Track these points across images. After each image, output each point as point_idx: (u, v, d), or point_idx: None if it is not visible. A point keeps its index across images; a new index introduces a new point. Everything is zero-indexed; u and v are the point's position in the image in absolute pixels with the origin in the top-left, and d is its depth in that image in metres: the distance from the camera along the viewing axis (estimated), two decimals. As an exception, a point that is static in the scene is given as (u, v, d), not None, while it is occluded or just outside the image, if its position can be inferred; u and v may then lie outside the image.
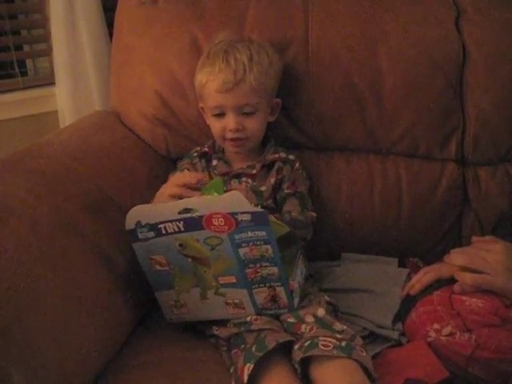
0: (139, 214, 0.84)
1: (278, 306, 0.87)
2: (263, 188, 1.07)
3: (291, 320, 0.89)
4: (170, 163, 1.23)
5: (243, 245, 0.82)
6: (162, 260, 0.87)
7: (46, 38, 1.45)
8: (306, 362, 0.81)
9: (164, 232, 0.84)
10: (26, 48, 1.55)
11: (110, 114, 1.29)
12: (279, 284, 0.85)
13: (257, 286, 0.86)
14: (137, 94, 1.22)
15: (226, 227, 0.80)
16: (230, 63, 1.01)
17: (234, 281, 0.86)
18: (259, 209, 0.79)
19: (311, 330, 0.85)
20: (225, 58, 1.01)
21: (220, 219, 0.80)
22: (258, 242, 0.81)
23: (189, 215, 0.81)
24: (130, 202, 1.04)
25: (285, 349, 0.83)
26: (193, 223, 0.81)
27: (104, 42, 1.38)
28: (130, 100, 1.24)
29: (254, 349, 0.81)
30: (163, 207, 0.83)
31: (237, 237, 0.81)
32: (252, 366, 0.78)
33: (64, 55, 1.36)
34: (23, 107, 1.44)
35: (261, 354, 0.79)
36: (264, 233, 0.80)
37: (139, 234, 0.85)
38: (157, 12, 1.20)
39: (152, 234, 0.84)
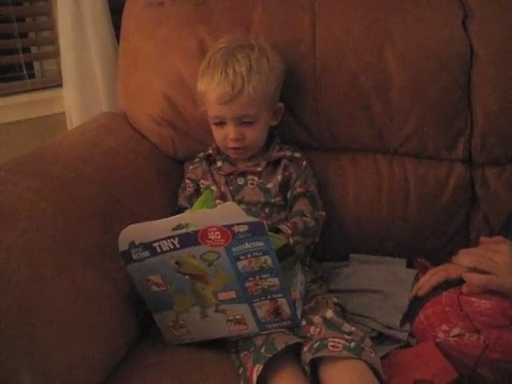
0: (132, 233, 0.82)
1: (281, 319, 0.85)
2: (270, 185, 1.07)
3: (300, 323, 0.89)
4: (178, 164, 1.24)
5: (241, 257, 0.79)
6: (159, 280, 0.85)
7: (54, 40, 1.46)
8: (316, 364, 0.81)
9: (159, 250, 0.81)
10: (34, 50, 1.55)
11: (117, 115, 1.29)
12: (281, 295, 0.83)
13: (258, 299, 0.83)
14: (144, 95, 1.22)
15: (223, 240, 0.78)
16: (229, 75, 1.00)
17: (234, 296, 0.84)
18: (256, 218, 0.77)
19: (320, 331, 0.85)
20: (223, 70, 1.01)
21: (216, 233, 0.77)
22: (257, 254, 0.79)
23: (183, 231, 0.79)
24: (139, 203, 1.05)
25: (294, 351, 0.83)
26: (188, 239, 0.79)
27: (111, 44, 1.39)
28: (137, 101, 1.24)
29: (263, 350, 0.81)
30: (157, 225, 0.80)
31: (234, 250, 0.79)
32: (261, 366, 0.78)
33: (71, 57, 1.37)
34: (31, 109, 1.44)
35: (270, 355, 0.79)
36: (262, 243, 0.78)
37: (133, 255, 0.83)
38: (164, 14, 1.21)
39: (147, 253, 0.82)
